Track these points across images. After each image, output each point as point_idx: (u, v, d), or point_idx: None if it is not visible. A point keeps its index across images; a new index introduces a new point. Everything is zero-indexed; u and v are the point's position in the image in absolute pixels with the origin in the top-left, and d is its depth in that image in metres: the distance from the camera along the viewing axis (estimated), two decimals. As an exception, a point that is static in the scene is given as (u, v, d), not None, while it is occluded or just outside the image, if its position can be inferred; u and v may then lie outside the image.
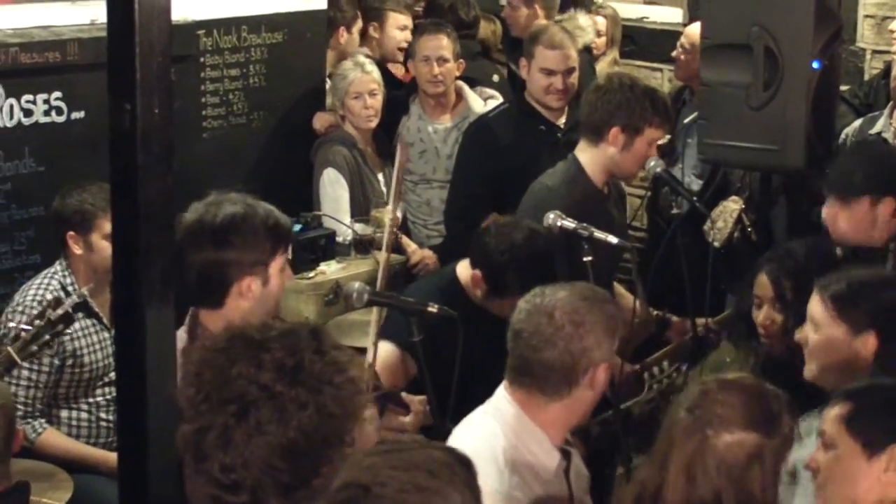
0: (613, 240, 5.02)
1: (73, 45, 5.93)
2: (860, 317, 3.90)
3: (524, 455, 3.73)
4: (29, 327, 4.53)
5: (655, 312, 5.61)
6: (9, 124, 5.81)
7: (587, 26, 7.70)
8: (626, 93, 5.47)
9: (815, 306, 4.00)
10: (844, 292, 3.93)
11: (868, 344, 3.89)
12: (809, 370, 4.04)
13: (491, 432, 3.74)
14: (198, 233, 3.96)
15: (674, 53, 7.19)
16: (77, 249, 5.24)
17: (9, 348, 4.48)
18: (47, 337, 4.55)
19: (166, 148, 3.21)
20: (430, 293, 5.00)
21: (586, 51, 7.55)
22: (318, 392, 2.69)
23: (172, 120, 3.25)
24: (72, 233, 5.23)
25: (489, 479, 3.44)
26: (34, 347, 4.51)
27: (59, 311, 4.57)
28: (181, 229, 3.98)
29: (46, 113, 5.94)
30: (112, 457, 5.00)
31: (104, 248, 5.04)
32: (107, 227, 4.96)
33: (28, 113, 5.88)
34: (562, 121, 6.37)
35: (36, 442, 5.06)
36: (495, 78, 7.63)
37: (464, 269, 5.14)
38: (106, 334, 5.28)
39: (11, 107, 5.81)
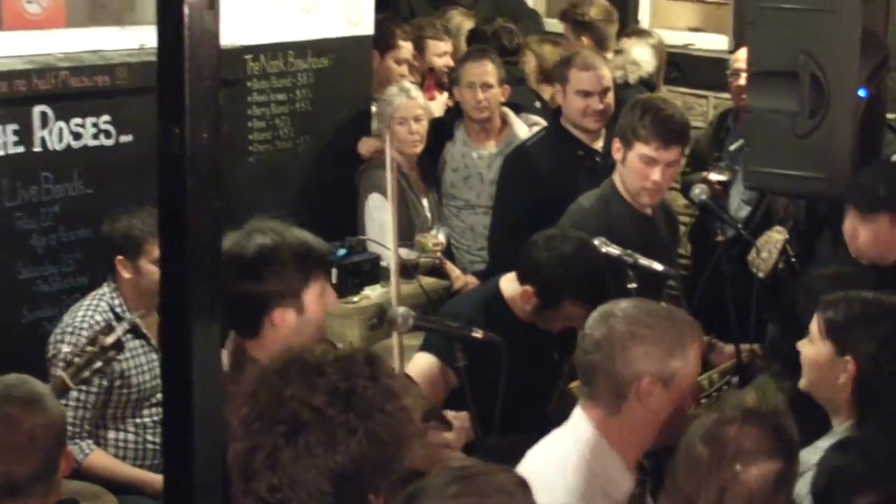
0: (658, 267, 5.02)
1: (122, 69, 5.97)
2: (845, 341, 3.98)
3: (596, 473, 3.66)
4: (81, 353, 4.57)
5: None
6: (58, 147, 5.85)
7: (642, 60, 7.64)
8: (628, 109, 5.56)
9: (813, 322, 4.08)
10: (837, 315, 4.02)
11: (848, 367, 3.94)
12: (802, 381, 4.12)
13: (564, 448, 3.69)
14: (230, 264, 3.94)
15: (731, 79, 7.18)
16: (125, 274, 5.26)
17: (62, 373, 4.50)
18: (100, 363, 4.58)
19: (214, 172, 3.21)
20: (472, 309, 5.01)
21: (644, 84, 7.49)
22: (369, 418, 2.69)
23: (221, 144, 3.26)
24: (120, 257, 5.26)
25: (556, 492, 3.41)
26: (86, 373, 4.54)
27: (111, 338, 4.60)
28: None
29: (95, 136, 5.98)
30: (158, 479, 5.02)
31: (152, 272, 5.05)
32: (155, 252, 4.98)
33: (77, 136, 5.91)
34: (599, 144, 6.37)
35: (83, 463, 5.08)
36: (537, 104, 7.63)
37: (508, 285, 5.11)
38: (154, 356, 5.29)
39: (61, 130, 5.85)
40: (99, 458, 5.17)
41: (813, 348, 4.06)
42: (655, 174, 5.46)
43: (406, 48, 7.55)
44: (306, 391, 2.71)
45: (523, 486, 2.66)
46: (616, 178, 5.59)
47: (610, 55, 7.55)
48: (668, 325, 3.71)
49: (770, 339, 5.43)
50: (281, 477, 2.67)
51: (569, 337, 4.18)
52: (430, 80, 7.65)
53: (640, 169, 5.47)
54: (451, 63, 7.73)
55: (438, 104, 7.57)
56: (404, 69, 7.55)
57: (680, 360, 3.67)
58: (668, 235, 5.85)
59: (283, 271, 3.92)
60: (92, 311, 5.25)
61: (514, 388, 4.33)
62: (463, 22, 8.28)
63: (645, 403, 3.65)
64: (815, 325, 4.05)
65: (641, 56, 7.63)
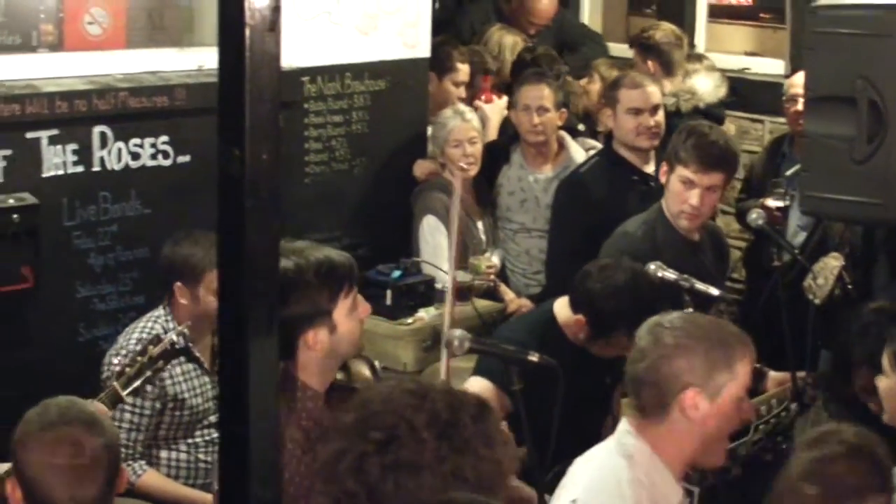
0: (715, 292, 5.03)
1: (180, 90, 6.01)
2: None
3: (648, 488, 3.63)
4: (132, 363, 4.60)
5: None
6: (116, 167, 5.89)
7: (701, 90, 7.58)
8: (676, 133, 5.59)
9: (884, 356, 4.15)
10: None
11: None
12: (885, 415, 4.19)
13: (615, 464, 3.66)
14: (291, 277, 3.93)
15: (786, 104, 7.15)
16: (183, 300, 5.28)
17: (114, 384, 4.53)
18: (149, 373, 4.61)
19: (273, 193, 3.21)
20: (525, 332, 5.01)
21: (706, 114, 7.41)
22: (461, 454, 2.67)
23: (280, 166, 3.26)
24: (179, 284, 5.27)
25: None
26: (137, 383, 4.56)
27: (160, 349, 4.62)
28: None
29: (153, 156, 6.02)
30: (208, 497, 5.04)
31: (210, 301, 5.07)
32: (214, 281, 4.99)
33: (135, 156, 5.96)
34: (650, 169, 6.36)
35: (137, 483, 5.09)
36: (581, 127, 7.63)
37: (561, 309, 5.12)
38: (206, 378, 5.31)
39: (119, 150, 5.89)
40: (151, 478, 5.19)
41: (888, 381, 4.13)
42: (693, 198, 5.47)
43: (463, 70, 7.55)
44: (409, 409, 2.71)
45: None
46: (664, 202, 5.62)
47: (679, 80, 7.53)
48: (715, 339, 3.66)
49: (821, 369, 5.40)
50: (360, 486, 2.67)
51: (621, 362, 4.16)
52: (485, 83, 7.61)
53: (679, 192, 5.51)
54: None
55: (497, 107, 7.53)
56: (462, 91, 7.55)
57: (726, 374, 3.62)
58: (716, 262, 5.85)
59: (309, 293, 3.89)
60: (146, 333, 5.25)
61: (567, 412, 4.31)
62: (503, 37, 8.25)
63: (689, 416, 3.61)
64: (886, 359, 4.10)
65: (703, 86, 7.58)
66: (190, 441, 5.37)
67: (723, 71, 7.96)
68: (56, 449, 3.46)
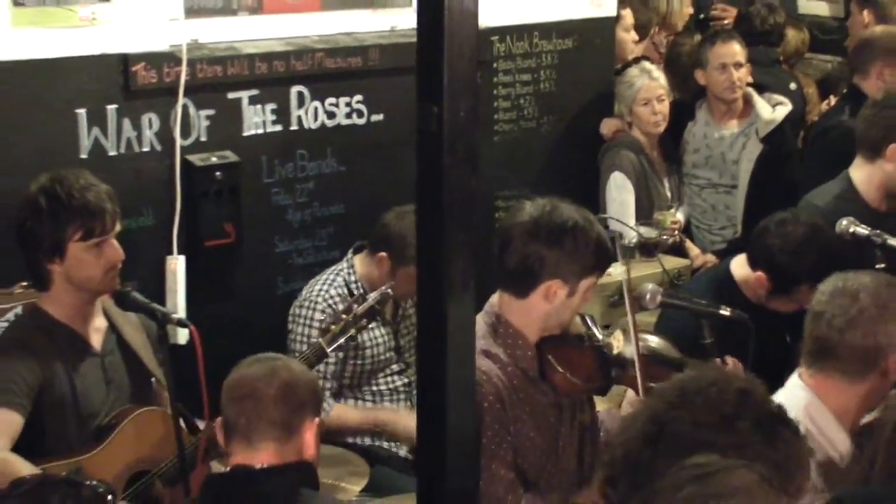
0: (909, 245, 4.88)
1: (374, 50, 6.02)
2: None
3: (819, 440, 3.64)
4: (336, 321, 4.68)
5: None
6: (313, 126, 5.94)
7: None
8: None
9: None
10: None
11: None
12: None
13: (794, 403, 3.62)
14: (533, 227, 3.95)
15: None
16: (377, 268, 5.30)
17: (320, 340, 4.60)
18: (353, 331, 4.67)
19: (471, 150, 3.20)
20: (703, 290, 4.94)
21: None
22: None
23: (476, 123, 3.25)
24: (384, 255, 5.26)
25: None
26: (342, 340, 4.63)
27: (364, 307, 4.69)
28: (512, 220, 4.01)
29: (348, 115, 6.05)
30: (401, 417, 5.24)
31: (406, 278, 5.09)
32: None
33: (331, 115, 6.00)
34: None
35: (327, 420, 5.16)
36: (792, 86, 7.46)
37: (739, 268, 5.03)
38: (385, 329, 5.38)
39: (316, 109, 5.94)
40: (340, 410, 5.31)
41: None
42: None
43: (627, 15, 7.44)
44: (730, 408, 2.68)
45: (766, 482, 2.45)
46: (857, 175, 5.41)
47: None
48: None
49: None
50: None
51: (800, 319, 4.10)
52: None
53: None
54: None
55: None
56: (634, 36, 7.46)
57: None
58: None
59: (582, 252, 3.92)
60: (327, 286, 5.33)
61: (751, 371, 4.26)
62: None
63: (888, 375, 3.67)
64: None
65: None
66: (374, 388, 5.45)
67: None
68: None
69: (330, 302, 5.25)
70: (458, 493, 3.25)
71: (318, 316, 5.23)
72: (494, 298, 4.03)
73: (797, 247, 4.81)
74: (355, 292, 5.25)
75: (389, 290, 4.90)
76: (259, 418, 3.47)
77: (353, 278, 5.34)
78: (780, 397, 3.73)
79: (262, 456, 3.46)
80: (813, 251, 4.78)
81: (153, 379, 4.57)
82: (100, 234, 4.28)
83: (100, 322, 4.46)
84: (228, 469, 3.53)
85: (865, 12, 7.51)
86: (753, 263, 4.95)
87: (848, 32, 7.86)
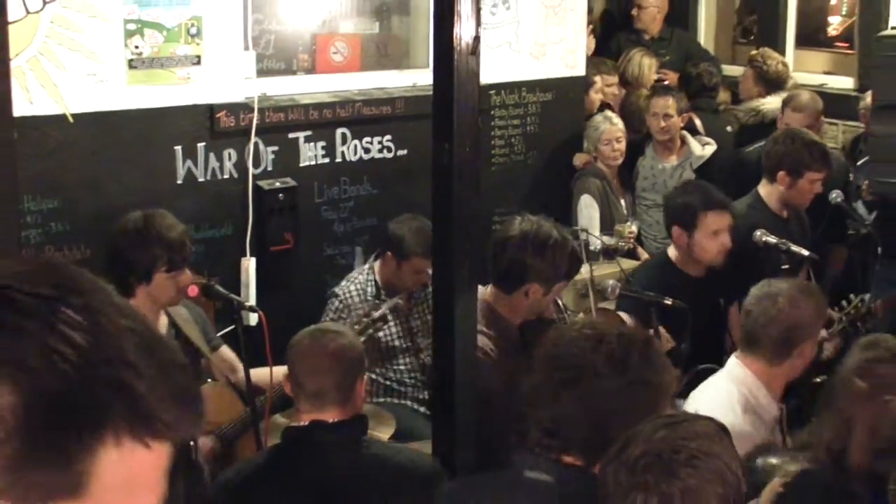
0: (805, 252, 4.90)
1: (400, 101, 6.01)
2: None
3: (752, 403, 3.69)
4: (357, 322, 4.69)
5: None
6: (353, 159, 5.93)
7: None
8: (788, 144, 5.35)
9: None
10: None
11: None
12: None
13: (728, 389, 3.72)
14: (522, 238, 3.94)
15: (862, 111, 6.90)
16: (387, 266, 5.19)
17: None
18: (370, 332, 4.67)
19: (474, 177, 3.23)
20: (651, 275, 5.00)
21: None
22: (633, 383, 2.66)
23: (478, 157, 3.25)
24: (389, 254, 5.19)
25: (726, 420, 3.37)
26: (362, 339, 4.54)
27: (381, 311, 4.71)
28: (505, 233, 4.01)
29: (380, 151, 6.03)
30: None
31: (410, 270, 5.04)
32: (418, 263, 4.98)
33: (367, 150, 5.98)
34: None
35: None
36: (728, 129, 7.43)
37: (672, 251, 5.07)
38: (399, 318, 5.20)
39: (356, 146, 5.93)
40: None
41: None
42: (817, 189, 5.43)
43: (599, 81, 7.40)
44: (589, 351, 2.69)
45: (722, 430, 2.47)
46: (763, 191, 5.46)
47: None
48: (813, 299, 3.78)
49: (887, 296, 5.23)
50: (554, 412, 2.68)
51: (732, 286, 4.13)
52: None
53: (811, 188, 5.39)
54: (616, 92, 7.62)
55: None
56: (601, 96, 7.41)
57: (821, 323, 3.87)
58: (799, 232, 5.65)
59: (559, 262, 3.92)
60: (349, 282, 5.26)
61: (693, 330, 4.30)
62: (643, 58, 8.03)
63: (804, 357, 3.73)
64: None
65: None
66: (395, 367, 5.23)
67: (805, 86, 7.71)
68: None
69: (347, 296, 5.18)
70: (462, 428, 3.31)
71: (335, 306, 5.16)
72: (481, 289, 4.00)
73: (683, 190, 5.19)
74: (370, 289, 5.18)
75: (400, 301, 4.88)
76: (325, 383, 3.39)
77: (371, 278, 5.24)
78: (723, 373, 3.84)
79: (330, 412, 3.38)
80: (693, 188, 5.16)
81: (202, 359, 4.49)
82: (180, 266, 4.20)
83: (163, 320, 4.37)
84: (306, 423, 3.42)
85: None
86: (668, 228, 5.06)
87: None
